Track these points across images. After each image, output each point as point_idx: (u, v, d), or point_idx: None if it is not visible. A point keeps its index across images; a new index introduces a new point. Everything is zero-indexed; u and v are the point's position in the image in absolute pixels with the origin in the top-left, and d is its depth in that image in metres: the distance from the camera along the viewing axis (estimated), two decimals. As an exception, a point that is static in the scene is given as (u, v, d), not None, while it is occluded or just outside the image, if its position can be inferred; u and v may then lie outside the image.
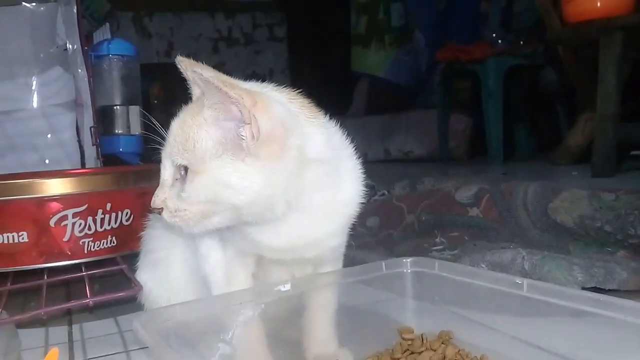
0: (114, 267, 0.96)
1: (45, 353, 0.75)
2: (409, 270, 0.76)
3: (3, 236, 0.89)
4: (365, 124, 3.70)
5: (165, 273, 0.82)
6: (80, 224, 0.93)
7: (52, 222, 0.91)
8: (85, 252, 0.94)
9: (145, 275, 0.86)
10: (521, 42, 2.76)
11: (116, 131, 1.56)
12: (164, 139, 0.64)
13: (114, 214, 0.96)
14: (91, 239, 0.94)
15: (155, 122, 0.66)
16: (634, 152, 2.25)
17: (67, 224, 0.92)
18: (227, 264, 0.69)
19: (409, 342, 0.69)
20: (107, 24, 1.71)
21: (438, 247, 1.19)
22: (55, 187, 0.92)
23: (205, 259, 0.70)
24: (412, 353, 0.68)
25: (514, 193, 1.29)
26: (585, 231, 1.13)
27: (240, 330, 0.66)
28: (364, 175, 0.69)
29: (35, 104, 1.56)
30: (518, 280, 0.64)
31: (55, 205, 0.91)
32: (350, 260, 0.78)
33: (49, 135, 1.57)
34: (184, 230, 0.63)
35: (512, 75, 2.81)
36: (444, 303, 0.74)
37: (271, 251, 0.66)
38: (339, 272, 0.74)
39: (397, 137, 3.62)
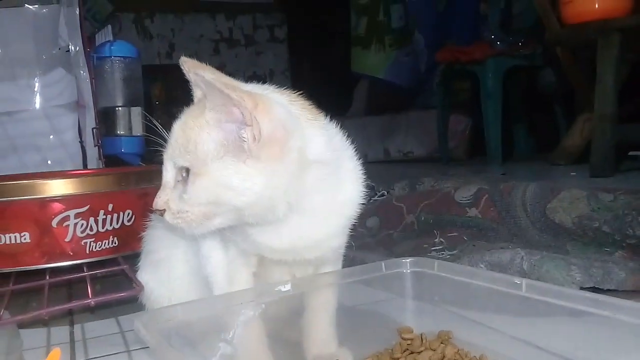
0: (116, 268, 0.96)
1: (47, 353, 0.75)
2: (409, 271, 0.76)
3: (5, 237, 0.90)
4: (365, 124, 3.70)
5: (166, 273, 0.82)
6: (82, 224, 0.93)
7: (54, 223, 0.91)
8: (87, 252, 0.94)
9: (147, 275, 0.87)
10: (520, 43, 2.77)
11: (118, 132, 1.56)
12: (165, 140, 0.64)
13: (115, 215, 0.96)
14: (93, 239, 0.94)
15: (157, 124, 0.66)
16: (632, 153, 2.26)
17: (69, 225, 0.92)
18: (228, 264, 0.69)
19: (409, 342, 0.69)
20: (109, 26, 1.72)
21: (437, 248, 1.20)
22: (58, 187, 0.92)
23: (207, 259, 0.71)
24: (412, 353, 0.68)
25: (512, 193, 1.30)
26: (583, 231, 1.13)
27: (241, 330, 0.66)
28: (364, 176, 0.69)
29: (37, 105, 1.57)
30: (517, 280, 0.64)
31: (57, 205, 0.91)
32: (350, 260, 0.78)
33: (51, 137, 1.58)
34: (186, 231, 0.63)
35: (511, 76, 2.81)
36: (443, 303, 0.74)
37: (272, 252, 0.66)
38: (338, 272, 0.74)
39: (397, 138, 3.63)
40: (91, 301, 0.88)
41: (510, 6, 3.04)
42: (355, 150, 0.70)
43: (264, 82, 0.68)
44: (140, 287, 0.86)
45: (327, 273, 0.73)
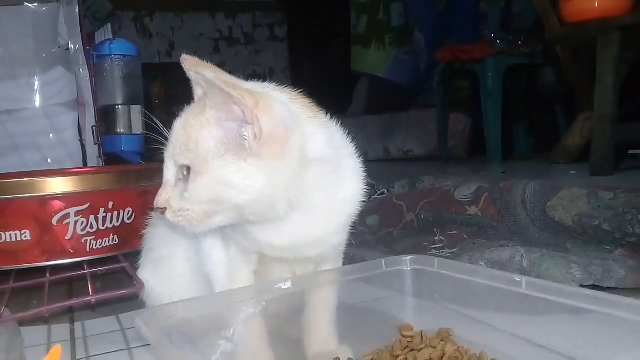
0: (116, 265, 0.97)
1: (48, 350, 0.75)
2: (409, 268, 0.76)
3: (6, 235, 0.90)
4: (365, 123, 3.70)
5: (167, 271, 0.82)
6: (83, 222, 0.93)
7: (54, 221, 0.91)
8: (88, 250, 0.94)
9: (147, 273, 0.87)
10: (520, 42, 2.77)
11: (118, 130, 1.56)
12: (165, 138, 0.64)
13: (115, 213, 0.96)
14: (93, 237, 0.95)
15: (157, 122, 0.66)
16: (632, 152, 2.26)
17: (69, 223, 0.92)
18: (229, 262, 0.70)
19: (409, 340, 0.69)
20: (109, 24, 1.72)
21: (437, 245, 1.20)
22: (58, 185, 0.92)
23: (208, 257, 0.71)
24: (412, 350, 0.68)
25: (512, 191, 1.30)
26: (583, 229, 1.13)
27: (241, 328, 0.66)
28: (364, 174, 0.70)
29: (37, 104, 1.57)
30: (517, 278, 0.64)
31: (57, 203, 0.92)
32: (350, 258, 0.78)
33: (51, 135, 1.58)
34: (187, 229, 0.63)
35: (511, 75, 2.81)
36: (444, 300, 0.74)
37: (273, 250, 0.66)
38: (339, 270, 0.74)
39: (397, 137, 3.63)
40: (92, 299, 0.89)
41: (510, 5, 3.05)
42: (356, 149, 0.70)
43: (264, 80, 0.68)
44: (141, 285, 0.87)
45: (328, 271, 0.73)
